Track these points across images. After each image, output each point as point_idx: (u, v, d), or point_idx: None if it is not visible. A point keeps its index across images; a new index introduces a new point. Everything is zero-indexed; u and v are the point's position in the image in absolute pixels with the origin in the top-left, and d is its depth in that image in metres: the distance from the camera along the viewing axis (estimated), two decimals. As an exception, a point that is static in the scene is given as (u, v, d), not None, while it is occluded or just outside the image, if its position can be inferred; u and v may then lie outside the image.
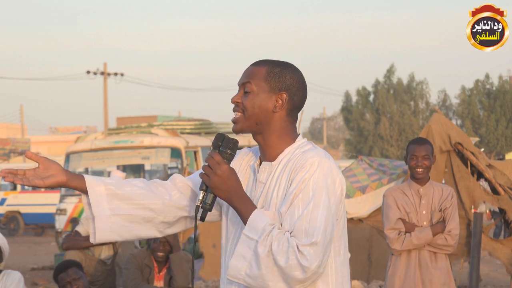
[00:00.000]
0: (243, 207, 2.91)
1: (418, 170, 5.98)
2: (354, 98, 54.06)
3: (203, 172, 2.92)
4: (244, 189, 3.00)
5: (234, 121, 3.03)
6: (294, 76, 3.06)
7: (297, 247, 2.79)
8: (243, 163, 3.14)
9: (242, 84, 3.04)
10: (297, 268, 2.79)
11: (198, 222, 3.01)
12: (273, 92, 3.02)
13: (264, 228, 2.83)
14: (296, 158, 2.96)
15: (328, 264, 2.95)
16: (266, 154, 3.05)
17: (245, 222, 2.89)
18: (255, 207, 2.91)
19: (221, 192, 2.90)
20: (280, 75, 3.04)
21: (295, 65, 3.13)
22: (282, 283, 2.82)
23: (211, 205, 2.94)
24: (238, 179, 2.93)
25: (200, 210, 2.96)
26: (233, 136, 3.17)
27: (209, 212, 3.03)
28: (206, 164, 2.92)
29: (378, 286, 10.31)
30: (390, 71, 53.33)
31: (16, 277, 6.12)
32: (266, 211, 2.94)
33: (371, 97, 53.34)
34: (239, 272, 2.85)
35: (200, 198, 2.94)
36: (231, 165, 2.96)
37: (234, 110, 3.04)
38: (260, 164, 3.07)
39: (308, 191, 2.87)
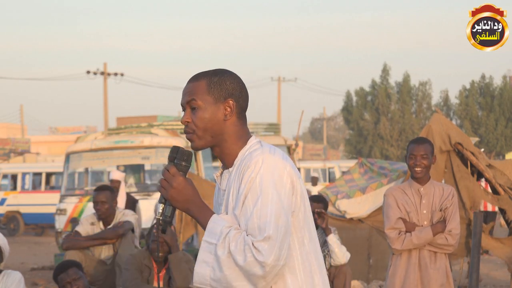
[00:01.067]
0: (201, 215, 2.97)
1: (417, 169, 5.98)
2: (355, 98, 54.06)
3: (159, 185, 2.98)
4: (214, 200, 3.10)
5: (190, 140, 3.07)
6: (233, 80, 3.09)
7: (252, 244, 2.84)
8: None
9: (187, 102, 3.06)
10: (255, 265, 2.84)
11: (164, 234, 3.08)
12: (219, 102, 3.05)
13: (221, 231, 2.88)
14: (243, 160, 3.01)
15: (293, 256, 2.99)
16: (226, 162, 3.09)
17: (204, 228, 2.95)
18: (212, 214, 2.97)
19: (179, 203, 2.97)
20: (220, 83, 3.06)
21: (229, 70, 3.16)
22: (246, 282, 2.87)
23: (171, 217, 3.00)
24: (194, 189, 2.99)
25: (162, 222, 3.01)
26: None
27: None
28: (162, 177, 2.98)
29: (378, 286, 10.32)
30: (384, 71, 53.27)
31: (17, 277, 6.11)
32: (224, 215, 2.99)
33: (369, 98, 53.28)
34: (204, 278, 2.90)
35: (160, 211, 3.00)
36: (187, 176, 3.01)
37: (185, 131, 3.07)
38: (222, 173, 3.13)
39: (256, 189, 2.91)
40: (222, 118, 3.04)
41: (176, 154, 3.01)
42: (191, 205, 2.97)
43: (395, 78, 53.64)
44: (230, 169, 3.06)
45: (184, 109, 3.08)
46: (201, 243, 2.92)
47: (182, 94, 3.09)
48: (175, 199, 2.96)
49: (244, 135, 3.08)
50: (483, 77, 51.81)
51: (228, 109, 3.05)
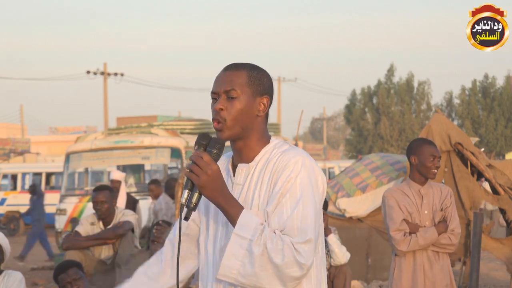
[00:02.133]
0: (230, 207, 2.91)
1: (435, 171, 6.03)
2: (359, 97, 54.03)
3: (190, 171, 2.89)
4: None
5: (219, 129, 3.00)
6: (269, 78, 3.10)
7: (293, 244, 2.82)
8: (223, 166, 3.14)
9: (226, 91, 3.01)
10: (294, 265, 2.82)
11: (185, 222, 3.02)
12: (256, 96, 3.03)
13: (256, 227, 2.85)
14: (277, 158, 2.98)
15: (318, 262, 3.01)
16: (243, 157, 3.06)
17: (233, 221, 2.89)
18: (242, 207, 2.92)
19: (209, 191, 2.89)
20: (259, 78, 3.05)
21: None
22: (276, 281, 2.85)
23: (196, 204, 2.92)
24: (224, 180, 2.93)
25: (185, 210, 2.94)
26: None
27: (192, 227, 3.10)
28: (193, 163, 2.89)
29: (378, 286, 10.31)
30: (390, 71, 53.28)
31: (18, 278, 6.11)
32: (254, 211, 2.96)
33: (374, 97, 53.27)
34: (231, 271, 2.86)
35: (186, 197, 2.91)
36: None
37: (216, 118, 3.01)
38: (234, 166, 3.09)
39: (296, 190, 2.90)
40: (255, 113, 3.02)
41: (208, 142, 2.93)
42: (220, 195, 2.89)
43: (397, 78, 53.35)
44: (251, 164, 3.03)
45: (216, 97, 3.03)
46: (232, 236, 2.85)
47: (216, 81, 3.03)
48: (206, 187, 2.87)
49: (267, 134, 3.09)
50: (486, 77, 51.80)
51: (262, 106, 3.04)
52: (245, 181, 3.03)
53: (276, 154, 3.01)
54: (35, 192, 18.03)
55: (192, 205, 2.91)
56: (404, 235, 5.98)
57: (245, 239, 2.84)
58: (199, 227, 3.18)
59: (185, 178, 2.93)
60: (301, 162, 2.93)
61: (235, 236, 2.85)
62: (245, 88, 3.01)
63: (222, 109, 2.99)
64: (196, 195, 2.91)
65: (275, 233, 2.85)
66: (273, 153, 3.02)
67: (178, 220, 2.99)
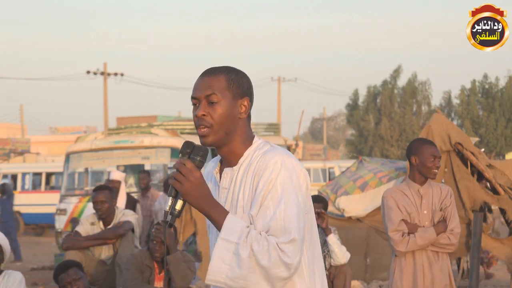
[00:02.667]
0: (215, 212, 2.94)
1: (435, 171, 6.03)
2: (362, 97, 53.99)
3: (173, 178, 2.93)
4: None
5: (203, 135, 3.03)
6: (248, 79, 3.11)
7: (278, 245, 2.84)
8: (204, 172, 3.17)
9: (206, 96, 3.02)
10: (281, 266, 2.84)
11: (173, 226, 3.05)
12: (237, 99, 3.04)
13: (242, 230, 2.88)
14: (258, 160, 3.00)
15: (304, 259, 3.01)
16: (230, 161, 3.08)
17: (218, 226, 2.92)
18: (227, 212, 2.95)
19: (193, 199, 2.93)
20: (238, 80, 3.06)
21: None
22: (264, 282, 2.87)
23: (180, 211, 2.96)
24: (208, 187, 2.95)
25: (169, 216, 2.97)
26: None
27: None
28: (177, 170, 2.93)
29: (378, 286, 10.31)
30: (396, 72, 53.16)
31: (18, 278, 6.11)
32: (238, 215, 2.99)
33: (377, 98, 53.18)
34: (220, 276, 2.88)
35: (170, 204, 2.96)
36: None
37: (200, 125, 3.02)
38: (221, 170, 3.11)
39: (277, 191, 2.91)
40: (237, 116, 3.04)
41: (191, 149, 2.97)
42: (204, 202, 2.93)
43: (403, 79, 53.38)
44: (235, 167, 3.05)
45: (196, 103, 3.05)
46: (218, 241, 2.88)
47: (195, 87, 3.06)
48: (190, 194, 2.91)
49: (250, 135, 3.10)
50: (485, 77, 51.75)
51: (244, 108, 3.06)
52: (230, 185, 3.06)
53: (257, 155, 3.02)
54: (5, 192, 17.81)
55: (176, 212, 2.96)
56: (403, 236, 5.97)
57: (231, 243, 2.87)
58: None
59: (170, 186, 2.97)
60: (281, 161, 2.95)
61: (221, 240, 2.88)
62: (225, 92, 3.02)
63: (204, 115, 3.02)
64: (180, 202, 2.95)
65: (260, 234, 2.87)
66: (255, 155, 3.03)
67: (164, 227, 3.02)
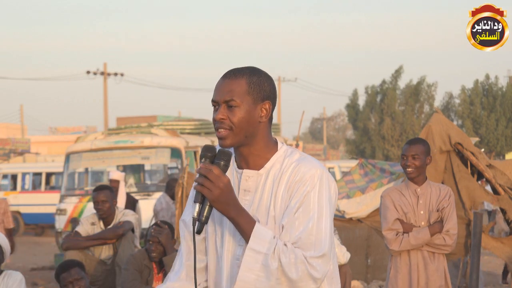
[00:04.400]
0: (241, 219, 2.89)
1: (408, 170, 6.01)
2: (361, 97, 53.98)
3: (200, 184, 2.86)
4: None
5: (222, 137, 2.97)
6: (270, 82, 3.06)
7: (306, 259, 2.83)
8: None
9: (225, 101, 2.98)
10: (309, 280, 2.83)
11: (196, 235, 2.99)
12: (257, 103, 3.00)
13: (270, 241, 2.85)
14: (292, 171, 2.96)
15: (331, 268, 3.01)
16: (251, 163, 3.03)
17: (244, 233, 2.89)
18: (254, 220, 2.91)
19: (222, 205, 2.87)
20: (259, 84, 3.01)
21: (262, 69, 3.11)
22: None
23: (207, 217, 2.91)
24: (234, 191, 2.91)
25: (197, 224, 2.91)
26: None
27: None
28: (202, 176, 2.86)
29: (378, 286, 10.32)
30: (398, 72, 53.12)
31: (18, 278, 6.11)
32: (265, 225, 2.96)
33: (378, 97, 53.15)
34: (247, 285, 2.86)
35: (197, 210, 2.89)
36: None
37: (219, 128, 2.98)
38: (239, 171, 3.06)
39: (310, 204, 2.89)
40: (257, 120, 3.00)
41: (214, 153, 2.91)
42: (232, 208, 2.87)
43: (405, 80, 53.33)
44: (260, 171, 3.01)
45: (216, 105, 3.00)
46: (246, 250, 2.85)
47: (216, 90, 3.01)
48: (219, 200, 2.85)
49: (272, 138, 3.06)
50: (487, 77, 51.70)
51: (264, 111, 3.01)
52: (257, 190, 3.01)
53: (289, 164, 2.98)
54: None
55: (203, 219, 2.90)
56: (397, 235, 5.97)
57: (260, 253, 2.84)
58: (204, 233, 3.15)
59: (195, 191, 2.91)
60: (318, 175, 2.93)
61: (250, 250, 2.85)
62: (245, 97, 2.98)
63: (223, 118, 2.97)
64: (207, 208, 2.90)
65: (286, 246, 2.85)
66: (285, 163, 2.99)
67: (192, 235, 2.97)
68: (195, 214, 2.89)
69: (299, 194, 2.90)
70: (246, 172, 3.03)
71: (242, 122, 2.97)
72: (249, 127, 2.98)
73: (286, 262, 2.81)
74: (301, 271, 2.81)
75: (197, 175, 2.88)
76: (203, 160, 2.92)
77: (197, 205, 2.89)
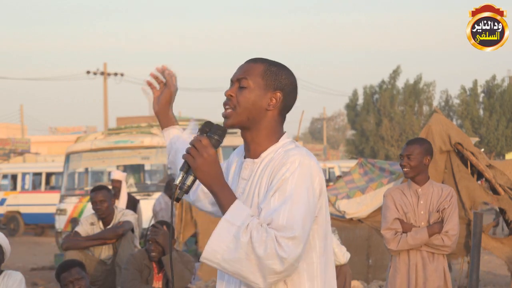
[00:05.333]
0: (223, 194, 2.92)
1: (404, 170, 6.01)
2: (361, 97, 53.93)
3: (187, 153, 2.91)
4: (229, 184, 3.06)
5: (226, 116, 3.04)
6: (289, 77, 3.09)
7: (276, 238, 2.81)
8: (236, 159, 3.19)
9: (238, 79, 3.05)
10: (275, 258, 2.81)
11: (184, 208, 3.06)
12: (268, 90, 3.04)
13: (246, 217, 2.85)
14: (278, 157, 2.99)
15: (314, 263, 2.99)
16: (251, 151, 3.08)
17: (223, 208, 2.90)
18: (235, 197, 2.93)
19: (204, 175, 2.90)
20: (277, 74, 3.06)
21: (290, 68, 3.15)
22: (258, 273, 2.84)
23: (190, 186, 2.93)
24: (220, 167, 2.94)
25: (177, 191, 2.94)
26: None
27: (201, 199, 3.24)
28: (191, 145, 2.91)
29: (378, 286, 10.31)
30: (395, 72, 53.12)
31: (18, 278, 6.11)
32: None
33: (375, 97, 53.15)
34: (215, 256, 2.86)
35: (180, 178, 2.93)
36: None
37: (225, 104, 3.05)
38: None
39: (286, 187, 2.89)
40: (264, 107, 3.03)
41: (210, 128, 2.97)
42: (215, 181, 2.91)
43: (403, 79, 53.29)
44: (256, 160, 3.05)
45: (231, 84, 3.07)
46: (220, 221, 2.86)
47: (236, 70, 3.08)
48: (201, 170, 2.89)
49: (278, 132, 3.08)
50: (493, 77, 51.61)
51: (274, 100, 3.04)
52: (250, 177, 3.05)
53: (280, 153, 3.01)
54: None
55: (185, 187, 2.93)
56: (396, 234, 5.97)
57: (233, 225, 2.84)
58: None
59: (183, 160, 2.94)
60: (299, 161, 2.92)
61: (223, 221, 2.86)
62: (258, 79, 3.03)
63: (232, 95, 3.03)
64: (190, 178, 2.93)
65: (261, 225, 2.85)
66: (278, 152, 3.02)
67: (171, 201, 3.00)
68: (177, 182, 2.93)
69: (278, 178, 2.91)
70: (245, 161, 3.08)
71: (247, 103, 3.01)
72: (253, 110, 3.02)
73: (257, 238, 2.80)
74: (269, 248, 2.80)
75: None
76: (198, 133, 2.97)
77: (181, 173, 2.93)
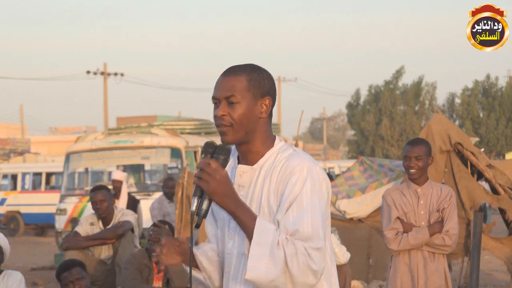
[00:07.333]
0: (241, 213, 2.92)
1: (411, 171, 6.00)
2: (364, 97, 53.89)
3: (198, 178, 2.90)
4: None
5: (224, 133, 3.02)
6: (270, 79, 3.10)
7: (306, 250, 2.85)
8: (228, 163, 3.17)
9: (226, 97, 3.01)
10: (309, 273, 2.85)
11: (194, 229, 3.04)
12: (257, 99, 3.04)
13: (273, 232, 2.87)
14: (282, 165, 2.99)
15: (328, 264, 3.03)
16: (249, 159, 3.08)
17: (247, 227, 2.91)
18: (255, 214, 2.94)
19: (219, 197, 2.90)
20: (259, 80, 3.05)
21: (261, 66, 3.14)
22: (290, 285, 2.87)
23: (207, 211, 2.94)
24: (233, 185, 2.94)
25: (195, 217, 2.94)
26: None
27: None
28: (201, 170, 2.89)
29: (378, 286, 10.31)
30: (399, 72, 53.05)
31: (17, 278, 6.10)
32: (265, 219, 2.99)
33: (378, 97, 53.08)
34: (259, 274, 2.86)
35: (195, 204, 2.93)
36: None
37: (220, 124, 3.02)
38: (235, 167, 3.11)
39: (302, 198, 2.91)
40: (257, 116, 3.04)
41: (214, 149, 2.95)
42: (231, 201, 2.91)
43: (406, 79, 53.23)
44: (254, 166, 3.05)
45: (217, 102, 3.04)
46: (252, 245, 2.86)
47: (216, 87, 3.04)
48: (217, 192, 2.88)
49: (271, 136, 3.09)
50: (488, 77, 51.68)
51: (264, 107, 3.05)
52: (250, 185, 3.05)
53: (281, 159, 3.01)
54: None
55: (202, 212, 2.93)
56: (397, 234, 5.97)
57: (266, 246, 2.86)
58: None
59: (194, 186, 2.94)
60: (307, 169, 2.95)
61: (256, 244, 2.87)
62: (245, 93, 3.01)
63: (224, 115, 3.01)
64: (206, 202, 2.93)
65: (287, 238, 2.87)
66: (278, 158, 3.02)
67: (190, 229, 3.00)
68: (194, 208, 2.92)
69: (290, 188, 2.93)
70: (240, 167, 3.07)
71: (242, 118, 3.00)
72: (249, 123, 3.02)
73: (289, 253, 2.83)
74: (301, 263, 2.83)
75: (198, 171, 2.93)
76: (203, 156, 2.96)
77: (196, 199, 2.93)
